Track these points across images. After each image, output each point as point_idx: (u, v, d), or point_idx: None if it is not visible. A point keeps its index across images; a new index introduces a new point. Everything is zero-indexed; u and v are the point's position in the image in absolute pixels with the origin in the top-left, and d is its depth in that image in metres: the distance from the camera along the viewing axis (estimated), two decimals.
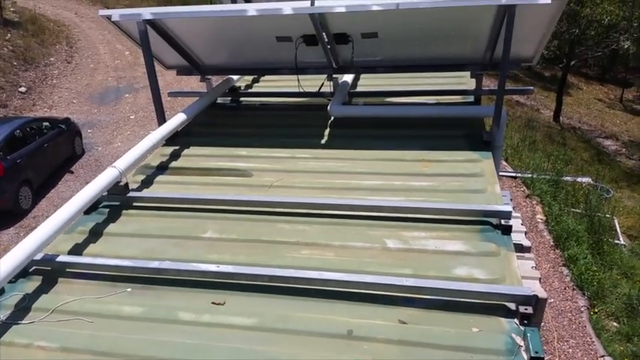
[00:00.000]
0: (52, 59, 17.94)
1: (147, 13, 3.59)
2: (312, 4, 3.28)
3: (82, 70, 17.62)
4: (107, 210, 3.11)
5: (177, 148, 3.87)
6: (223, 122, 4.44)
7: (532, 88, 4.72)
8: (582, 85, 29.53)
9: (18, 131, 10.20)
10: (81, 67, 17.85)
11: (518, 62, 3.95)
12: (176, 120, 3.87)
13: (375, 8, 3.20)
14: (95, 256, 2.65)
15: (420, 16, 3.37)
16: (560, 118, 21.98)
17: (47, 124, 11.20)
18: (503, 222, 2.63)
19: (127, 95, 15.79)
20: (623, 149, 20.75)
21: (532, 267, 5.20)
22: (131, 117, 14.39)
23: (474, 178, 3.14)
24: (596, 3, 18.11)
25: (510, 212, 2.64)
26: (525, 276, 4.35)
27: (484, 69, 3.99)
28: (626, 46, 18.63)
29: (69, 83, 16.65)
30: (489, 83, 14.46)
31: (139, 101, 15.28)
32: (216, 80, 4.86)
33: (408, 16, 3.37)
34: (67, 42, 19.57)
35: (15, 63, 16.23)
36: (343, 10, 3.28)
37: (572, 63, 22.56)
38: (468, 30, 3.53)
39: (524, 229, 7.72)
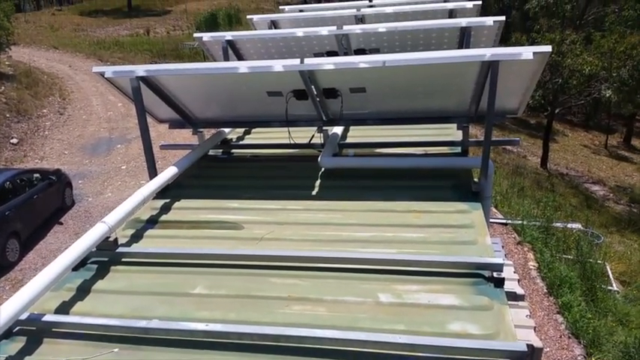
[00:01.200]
0: (44, 111, 18.11)
1: (140, 70, 3.67)
2: (302, 61, 3.38)
3: (75, 122, 17.77)
4: (96, 266, 3.06)
5: (167, 201, 3.87)
6: (214, 174, 4.46)
7: (518, 139, 4.83)
8: (568, 131, 30.21)
9: (8, 183, 10.17)
10: (73, 119, 18.01)
11: (503, 114, 4.05)
12: (167, 174, 3.89)
13: (362, 66, 3.31)
14: (82, 314, 2.59)
15: (405, 72, 3.48)
16: (548, 164, 22.34)
17: (37, 175, 11.18)
18: (495, 275, 2.62)
19: (119, 146, 15.88)
20: (611, 194, 21.00)
21: (526, 315, 5.13)
22: (122, 167, 14.41)
23: (465, 230, 3.16)
24: (577, 54, 18.83)
25: (502, 265, 2.63)
26: (520, 325, 4.30)
27: (470, 121, 4.09)
28: (607, 95, 19.22)
29: (61, 134, 16.75)
30: (476, 132, 14.76)
31: (130, 152, 15.35)
32: (207, 132, 4.92)
33: (395, 72, 3.47)
34: (60, 94, 19.83)
35: (7, 115, 16.34)
36: (332, 67, 3.38)
37: (557, 111, 23.19)
38: (453, 84, 3.64)
39: (517, 277, 7.69)
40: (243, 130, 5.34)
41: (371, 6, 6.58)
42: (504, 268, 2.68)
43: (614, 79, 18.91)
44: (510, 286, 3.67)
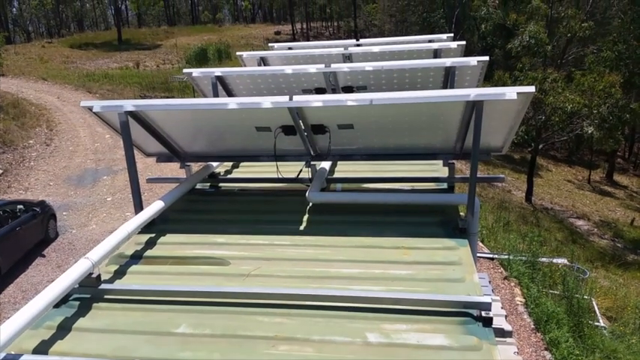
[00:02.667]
0: (31, 142, 18.00)
1: (129, 105, 3.68)
2: (291, 98, 3.43)
3: (61, 153, 17.66)
4: (77, 303, 2.99)
5: (152, 235, 3.82)
6: (201, 208, 4.44)
7: (503, 176, 4.90)
8: (551, 166, 30.72)
9: None
10: (60, 150, 17.90)
11: (488, 152, 4.12)
12: (153, 208, 3.86)
13: (350, 104, 3.37)
14: (62, 354, 2.51)
15: (392, 110, 3.54)
16: (532, 198, 22.60)
17: (21, 206, 11.01)
18: (483, 314, 2.61)
19: (104, 177, 15.76)
20: (595, 229, 21.23)
21: (514, 352, 5.11)
22: (108, 199, 14.27)
23: (453, 267, 3.16)
24: (559, 92, 19.35)
25: (490, 304, 2.63)
26: None
27: (455, 158, 4.15)
28: (589, 132, 19.67)
29: (47, 165, 16.60)
30: (462, 166, 14.95)
31: (116, 183, 15.23)
32: (195, 165, 4.92)
33: (382, 110, 3.54)
34: (47, 125, 19.76)
35: None
36: (320, 104, 3.43)
37: (541, 146, 23.63)
38: (439, 122, 3.71)
39: (505, 313, 7.66)
40: (231, 164, 5.35)
41: (358, 45, 6.74)
42: (492, 303, 2.68)
43: (595, 116, 19.42)
44: (498, 322, 3.64)
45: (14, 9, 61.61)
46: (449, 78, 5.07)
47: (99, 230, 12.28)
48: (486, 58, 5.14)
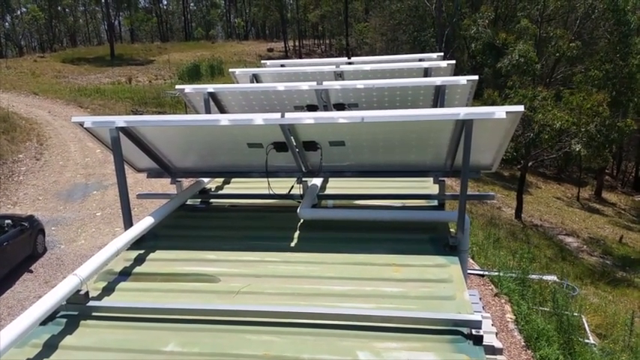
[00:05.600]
0: (20, 156, 17.87)
1: (120, 121, 3.68)
2: (283, 115, 3.45)
3: (51, 167, 17.53)
4: (65, 320, 2.95)
5: (142, 252, 3.79)
6: (192, 224, 4.42)
7: (493, 194, 4.94)
8: (541, 184, 30.97)
9: None
10: (50, 165, 17.77)
11: (478, 170, 4.16)
12: (143, 224, 3.83)
13: (341, 121, 3.40)
14: None
15: (384, 127, 3.58)
16: (522, 215, 22.72)
17: (9, 221, 10.89)
18: (474, 332, 2.61)
19: (94, 192, 15.65)
20: (584, 246, 21.36)
21: None
22: (97, 214, 14.15)
23: (443, 285, 3.16)
24: (548, 110, 19.60)
25: (481, 322, 2.63)
26: None
27: (446, 175, 4.18)
28: (577, 149, 19.90)
29: (36, 180, 16.47)
30: (452, 183, 15.04)
31: (106, 198, 15.13)
32: (186, 181, 4.91)
33: (373, 127, 3.57)
34: (37, 139, 19.64)
35: None
36: (312, 122, 3.45)
37: (530, 164, 23.85)
38: (429, 140, 3.74)
39: (495, 330, 7.65)
40: (222, 179, 5.34)
41: (350, 63, 6.81)
42: (483, 321, 2.68)
43: (583, 134, 19.67)
44: (489, 339, 3.65)
45: (7, 23, 61.61)
46: (439, 96, 5.13)
47: (88, 245, 12.15)
48: (476, 77, 5.21)
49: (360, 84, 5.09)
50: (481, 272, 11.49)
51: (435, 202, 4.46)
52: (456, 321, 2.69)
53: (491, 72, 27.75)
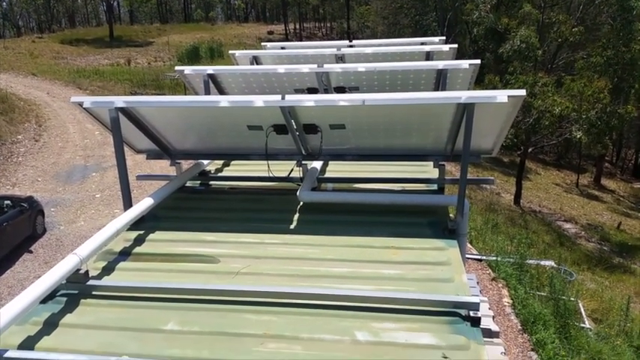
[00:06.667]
0: (19, 137, 17.82)
1: (119, 101, 3.66)
2: (283, 97, 3.43)
3: (50, 149, 17.49)
4: (65, 299, 2.97)
5: (141, 232, 3.80)
6: (191, 206, 4.42)
7: (493, 179, 4.93)
8: (540, 170, 30.98)
9: None
10: (49, 146, 17.73)
11: (479, 154, 4.15)
12: (142, 205, 3.84)
13: (342, 104, 3.38)
14: (48, 350, 2.50)
15: (384, 111, 3.56)
16: (521, 201, 22.77)
17: (8, 202, 10.91)
18: (472, 313, 2.63)
19: (93, 174, 15.64)
20: (583, 232, 21.45)
21: (501, 352, 5.15)
22: (97, 196, 14.16)
23: (442, 267, 3.18)
24: (548, 96, 19.51)
25: (479, 304, 2.65)
26: None
27: (446, 160, 4.17)
28: (577, 136, 19.86)
29: (35, 161, 16.44)
30: (451, 168, 15.04)
31: (105, 180, 15.13)
32: (186, 163, 4.90)
33: (374, 110, 3.55)
34: (36, 121, 19.56)
35: None
36: (312, 104, 3.44)
37: (530, 150, 23.82)
38: (430, 124, 3.73)
39: (492, 314, 7.71)
40: (221, 162, 5.33)
41: (351, 46, 6.75)
42: (480, 304, 2.70)
43: (584, 121, 19.61)
44: (485, 322, 3.68)
45: (4, 3, 60.93)
46: (440, 80, 5.10)
47: (87, 227, 12.19)
48: (478, 61, 5.17)
49: (361, 67, 5.06)
50: (479, 257, 11.56)
51: (435, 187, 4.46)
52: (454, 303, 2.71)
53: (492, 57, 27.56)
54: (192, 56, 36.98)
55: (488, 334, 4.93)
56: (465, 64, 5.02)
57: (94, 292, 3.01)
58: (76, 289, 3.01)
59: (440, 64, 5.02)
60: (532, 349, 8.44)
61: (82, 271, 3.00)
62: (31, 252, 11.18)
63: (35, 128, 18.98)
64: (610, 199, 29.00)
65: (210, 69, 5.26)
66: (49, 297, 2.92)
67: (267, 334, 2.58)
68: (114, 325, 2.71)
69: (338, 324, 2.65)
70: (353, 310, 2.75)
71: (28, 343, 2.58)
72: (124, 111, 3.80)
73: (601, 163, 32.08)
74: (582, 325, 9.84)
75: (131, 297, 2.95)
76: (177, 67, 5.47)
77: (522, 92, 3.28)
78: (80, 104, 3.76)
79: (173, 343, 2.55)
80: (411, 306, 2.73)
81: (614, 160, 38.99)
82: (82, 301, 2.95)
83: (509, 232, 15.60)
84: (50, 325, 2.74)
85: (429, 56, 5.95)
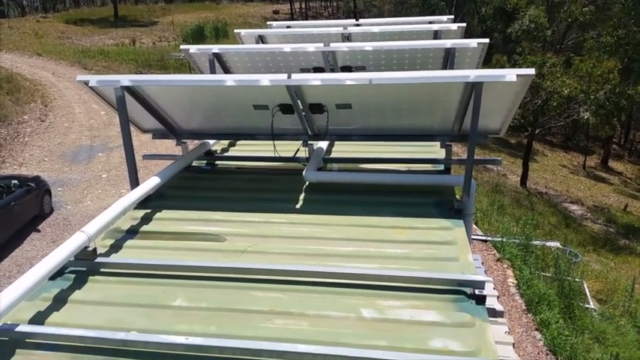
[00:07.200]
0: (25, 117, 17.85)
1: (125, 80, 3.65)
2: (289, 76, 3.41)
3: (56, 129, 17.53)
4: (73, 276, 3.01)
5: (148, 211, 3.83)
6: (197, 185, 4.44)
7: (500, 159, 4.91)
8: (547, 152, 30.78)
9: None
10: (55, 126, 17.77)
11: (486, 134, 4.12)
12: (149, 184, 3.85)
13: (349, 83, 3.35)
14: (58, 325, 2.54)
15: (391, 90, 3.53)
16: (527, 183, 22.69)
17: (16, 181, 10.98)
18: (477, 292, 2.64)
19: (100, 154, 15.69)
20: (589, 214, 21.39)
21: (505, 332, 5.19)
22: (103, 176, 14.23)
23: (447, 247, 3.18)
24: (556, 77, 19.26)
25: (484, 282, 2.66)
26: (499, 341, 4.33)
27: (453, 140, 4.15)
28: (585, 117, 19.66)
29: (41, 141, 16.50)
30: (458, 149, 14.97)
31: (112, 160, 15.18)
32: (191, 143, 4.90)
33: (381, 90, 3.52)
34: (42, 101, 19.57)
35: None
36: (319, 83, 3.41)
37: (537, 131, 23.63)
38: (437, 104, 3.70)
39: (497, 293, 7.74)
40: (227, 142, 5.33)
41: (357, 25, 6.67)
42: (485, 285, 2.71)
43: (592, 102, 19.38)
44: (490, 302, 3.70)
45: None
46: (448, 59, 5.04)
47: (94, 207, 12.27)
48: (486, 40, 5.10)
49: (368, 46, 5.00)
50: (484, 238, 11.56)
51: (442, 167, 4.45)
52: (459, 281, 2.72)
53: (501, 37, 27.18)
54: (197, 36, 36.66)
55: (493, 313, 4.94)
56: (473, 42, 4.96)
57: (102, 269, 3.04)
58: (84, 266, 3.05)
59: (448, 43, 4.96)
60: (536, 329, 8.49)
61: (90, 249, 3.03)
62: (38, 231, 11.29)
63: (41, 108, 18.99)
64: (617, 181, 28.83)
65: (215, 48, 5.22)
66: (57, 274, 2.96)
67: (274, 311, 2.61)
68: (122, 302, 2.75)
69: (344, 301, 2.67)
70: (359, 288, 2.77)
71: (38, 319, 2.63)
72: (129, 90, 3.79)
73: (609, 145, 31.81)
74: (587, 305, 9.88)
75: (139, 274, 2.98)
76: (182, 46, 5.43)
77: (531, 71, 3.24)
78: (86, 83, 3.76)
79: (181, 319, 2.59)
80: (416, 284, 2.75)
81: (622, 142, 38.63)
82: (91, 277, 2.99)
83: (515, 213, 15.58)
84: (59, 301, 2.78)
85: (436, 35, 5.88)
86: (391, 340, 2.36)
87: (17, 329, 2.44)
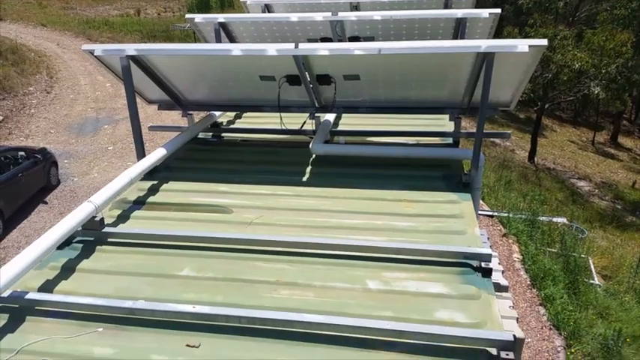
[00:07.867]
0: (31, 89, 17.80)
1: (130, 49, 3.60)
2: (297, 46, 3.34)
3: (62, 101, 17.49)
4: (81, 245, 3.02)
5: (155, 182, 3.83)
6: (204, 157, 4.42)
7: (509, 132, 4.85)
8: (556, 127, 30.46)
9: None
10: (60, 98, 17.72)
11: (496, 107, 4.05)
12: (155, 155, 3.84)
13: (357, 53, 3.28)
14: (66, 293, 2.56)
15: (401, 60, 3.46)
16: (535, 158, 22.52)
17: (22, 153, 11.01)
18: (483, 264, 2.63)
19: (106, 126, 15.68)
20: (596, 190, 21.28)
21: (510, 306, 5.21)
22: (109, 148, 14.25)
23: (454, 220, 3.17)
24: (568, 50, 18.90)
25: (490, 255, 2.65)
26: (503, 315, 4.35)
27: (462, 113, 4.09)
28: (596, 92, 19.35)
29: (47, 113, 16.48)
30: (466, 124, 14.82)
31: (117, 132, 15.17)
32: (197, 115, 4.87)
33: (390, 60, 3.45)
34: (47, 72, 19.47)
35: None
36: (326, 52, 3.34)
37: (547, 106, 23.32)
38: (447, 75, 3.63)
39: (502, 268, 7.76)
40: (233, 114, 5.29)
41: None
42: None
43: (603, 76, 19.04)
44: (495, 277, 3.70)
45: None
46: (459, 30, 4.94)
47: (100, 179, 12.32)
48: (498, 10, 4.98)
49: (376, 15, 4.90)
50: (490, 213, 11.55)
51: (450, 140, 4.40)
52: (465, 254, 2.71)
53: (512, 9, 26.60)
54: (202, 6, 36.12)
55: (498, 288, 4.97)
56: (484, 12, 4.84)
57: (109, 239, 3.06)
58: (91, 236, 3.06)
59: (459, 13, 4.84)
60: (540, 304, 8.55)
61: (97, 219, 3.03)
62: (45, 203, 11.37)
63: (46, 80, 18.91)
64: (626, 157, 28.55)
65: (221, 17, 5.14)
66: (65, 243, 2.98)
67: (280, 282, 2.62)
68: (130, 271, 2.77)
69: (350, 273, 2.68)
70: (365, 260, 2.77)
71: (47, 287, 2.65)
72: (135, 59, 3.74)
73: (619, 121, 31.39)
74: (591, 281, 9.90)
75: (146, 244, 2.99)
76: (187, 15, 5.34)
77: (544, 42, 3.16)
78: (91, 52, 3.71)
79: (188, 288, 2.60)
80: (422, 257, 2.74)
81: (633, 118, 38.10)
82: (98, 247, 3.01)
83: (522, 189, 15.51)
84: (67, 270, 2.80)
85: (447, 4, 5.75)
86: (397, 311, 2.36)
87: (26, 297, 2.47)
